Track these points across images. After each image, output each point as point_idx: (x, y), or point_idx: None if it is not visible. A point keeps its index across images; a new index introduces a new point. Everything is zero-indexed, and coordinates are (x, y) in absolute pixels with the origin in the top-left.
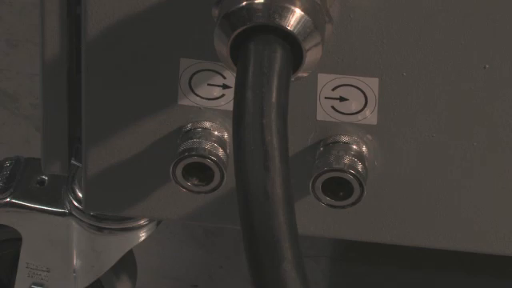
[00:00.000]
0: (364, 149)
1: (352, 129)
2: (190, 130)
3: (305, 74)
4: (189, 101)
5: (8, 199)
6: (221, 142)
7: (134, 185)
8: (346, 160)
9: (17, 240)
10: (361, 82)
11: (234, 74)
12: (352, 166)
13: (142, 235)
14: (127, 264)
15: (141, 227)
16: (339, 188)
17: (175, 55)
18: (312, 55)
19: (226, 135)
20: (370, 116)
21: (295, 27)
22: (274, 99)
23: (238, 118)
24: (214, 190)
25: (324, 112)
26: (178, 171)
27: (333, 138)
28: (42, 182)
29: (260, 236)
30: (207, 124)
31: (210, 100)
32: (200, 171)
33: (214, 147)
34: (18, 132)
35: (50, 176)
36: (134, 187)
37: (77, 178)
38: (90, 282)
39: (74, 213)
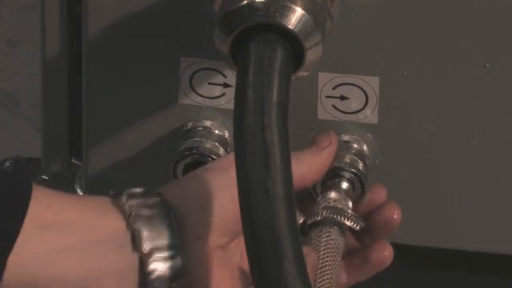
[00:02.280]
0: (365, 147)
1: (353, 127)
2: (191, 128)
3: (305, 73)
4: (189, 100)
5: None
6: (221, 141)
7: (135, 184)
8: (347, 159)
9: None
10: (361, 80)
11: (235, 73)
12: (353, 164)
13: None
14: None
15: None
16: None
17: (175, 54)
18: (313, 54)
19: (226, 134)
20: (370, 115)
21: (296, 26)
22: (274, 98)
23: (238, 117)
24: None
25: (325, 111)
26: (179, 170)
27: None
28: (43, 181)
29: (261, 235)
30: (208, 123)
31: (211, 99)
32: None
33: (214, 146)
34: (18, 132)
35: (50, 176)
36: (135, 186)
37: (77, 177)
38: None
39: None
